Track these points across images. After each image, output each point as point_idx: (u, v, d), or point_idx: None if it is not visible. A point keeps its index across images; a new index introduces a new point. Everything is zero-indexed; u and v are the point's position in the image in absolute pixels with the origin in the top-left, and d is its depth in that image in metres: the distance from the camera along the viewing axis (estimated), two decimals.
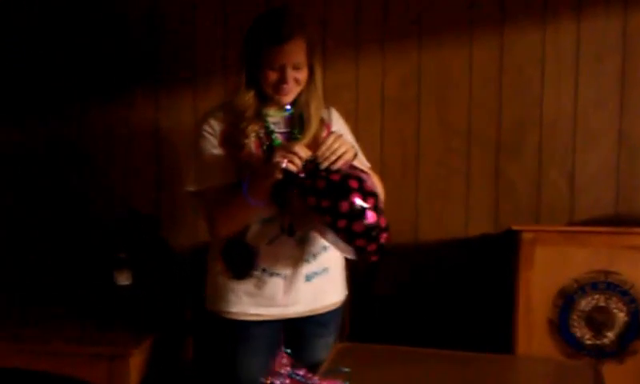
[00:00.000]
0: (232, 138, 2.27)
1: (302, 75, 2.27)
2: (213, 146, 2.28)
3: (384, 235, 2.07)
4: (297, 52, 2.23)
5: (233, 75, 2.40)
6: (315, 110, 2.32)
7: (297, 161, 2.09)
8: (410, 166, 3.15)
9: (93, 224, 3.23)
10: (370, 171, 2.32)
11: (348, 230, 2.02)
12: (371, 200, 2.05)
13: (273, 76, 2.25)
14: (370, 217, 2.02)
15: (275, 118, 2.36)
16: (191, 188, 2.32)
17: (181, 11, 3.15)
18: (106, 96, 3.20)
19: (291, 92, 2.28)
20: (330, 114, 2.45)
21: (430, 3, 3.05)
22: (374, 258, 2.09)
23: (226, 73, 3.15)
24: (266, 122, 2.33)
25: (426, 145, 3.13)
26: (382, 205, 2.09)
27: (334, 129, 2.37)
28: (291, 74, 2.23)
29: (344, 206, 2.00)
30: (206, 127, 2.31)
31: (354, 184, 2.03)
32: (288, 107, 2.35)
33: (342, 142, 2.13)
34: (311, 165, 2.09)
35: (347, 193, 2.01)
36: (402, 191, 3.12)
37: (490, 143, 3.11)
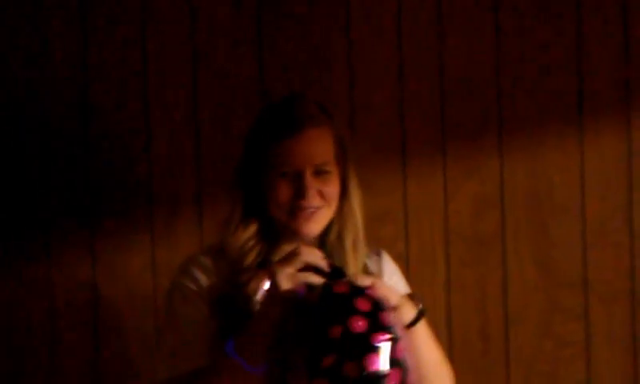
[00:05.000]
0: (225, 302, 1.82)
1: (332, 188, 1.83)
2: (198, 311, 1.82)
3: None
4: (320, 146, 1.82)
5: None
6: (354, 251, 1.88)
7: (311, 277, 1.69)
8: (495, 339, 2.54)
9: None
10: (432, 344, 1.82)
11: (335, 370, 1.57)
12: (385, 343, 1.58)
13: (285, 190, 1.81)
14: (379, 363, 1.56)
15: None
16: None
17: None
18: None
19: (316, 216, 1.83)
20: (380, 263, 1.98)
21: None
22: None
23: (201, 203, 2.48)
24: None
25: (519, 304, 2.55)
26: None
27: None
28: (313, 182, 1.80)
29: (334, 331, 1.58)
30: (187, 281, 1.86)
31: (363, 305, 1.60)
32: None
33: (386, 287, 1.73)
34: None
35: (348, 314, 1.58)
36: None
37: (622, 295, 2.53)
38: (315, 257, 1.72)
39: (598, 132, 2.47)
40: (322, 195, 1.83)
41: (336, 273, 1.70)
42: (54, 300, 2.58)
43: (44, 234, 2.59)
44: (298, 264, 1.70)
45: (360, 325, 1.59)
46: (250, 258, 1.86)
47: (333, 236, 1.89)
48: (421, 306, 1.75)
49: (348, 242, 1.88)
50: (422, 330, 1.77)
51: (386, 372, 1.57)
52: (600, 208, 2.48)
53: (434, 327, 1.85)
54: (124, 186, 2.50)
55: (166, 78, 2.43)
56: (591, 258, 2.49)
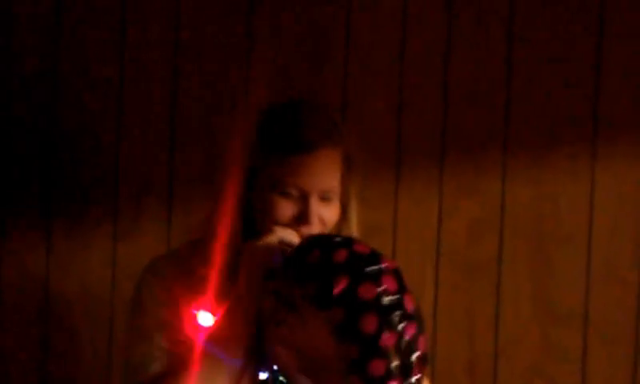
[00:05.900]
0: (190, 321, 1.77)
1: (332, 214, 1.78)
2: (163, 317, 1.74)
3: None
4: (330, 170, 1.75)
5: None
6: None
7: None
8: (481, 374, 2.48)
9: None
10: None
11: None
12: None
13: (286, 211, 1.75)
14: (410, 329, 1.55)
15: None
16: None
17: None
18: None
19: None
20: None
21: None
22: None
23: (172, 197, 2.44)
24: None
25: (511, 338, 2.49)
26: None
27: None
28: (317, 208, 1.74)
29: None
30: (156, 280, 1.79)
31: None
32: None
33: None
34: None
35: (348, 241, 1.58)
36: None
37: (625, 338, 2.46)
38: (291, 235, 1.69)
39: (612, 158, 2.41)
40: (322, 221, 1.78)
41: None
42: (1, 292, 2.49)
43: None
44: (273, 239, 1.68)
45: (363, 249, 1.58)
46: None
47: None
48: None
49: None
50: None
51: (402, 293, 1.55)
52: (608, 241, 2.42)
53: None
54: (88, 172, 2.47)
55: (145, 51, 2.41)
56: (594, 295, 2.42)
